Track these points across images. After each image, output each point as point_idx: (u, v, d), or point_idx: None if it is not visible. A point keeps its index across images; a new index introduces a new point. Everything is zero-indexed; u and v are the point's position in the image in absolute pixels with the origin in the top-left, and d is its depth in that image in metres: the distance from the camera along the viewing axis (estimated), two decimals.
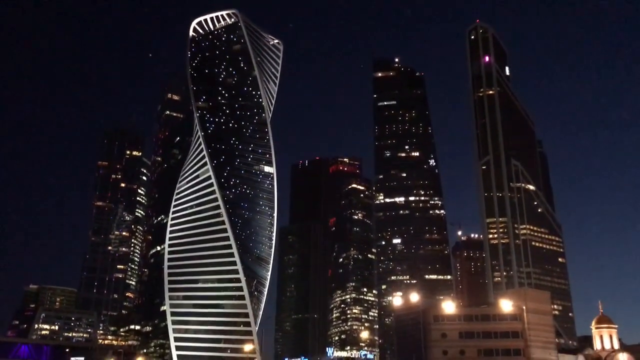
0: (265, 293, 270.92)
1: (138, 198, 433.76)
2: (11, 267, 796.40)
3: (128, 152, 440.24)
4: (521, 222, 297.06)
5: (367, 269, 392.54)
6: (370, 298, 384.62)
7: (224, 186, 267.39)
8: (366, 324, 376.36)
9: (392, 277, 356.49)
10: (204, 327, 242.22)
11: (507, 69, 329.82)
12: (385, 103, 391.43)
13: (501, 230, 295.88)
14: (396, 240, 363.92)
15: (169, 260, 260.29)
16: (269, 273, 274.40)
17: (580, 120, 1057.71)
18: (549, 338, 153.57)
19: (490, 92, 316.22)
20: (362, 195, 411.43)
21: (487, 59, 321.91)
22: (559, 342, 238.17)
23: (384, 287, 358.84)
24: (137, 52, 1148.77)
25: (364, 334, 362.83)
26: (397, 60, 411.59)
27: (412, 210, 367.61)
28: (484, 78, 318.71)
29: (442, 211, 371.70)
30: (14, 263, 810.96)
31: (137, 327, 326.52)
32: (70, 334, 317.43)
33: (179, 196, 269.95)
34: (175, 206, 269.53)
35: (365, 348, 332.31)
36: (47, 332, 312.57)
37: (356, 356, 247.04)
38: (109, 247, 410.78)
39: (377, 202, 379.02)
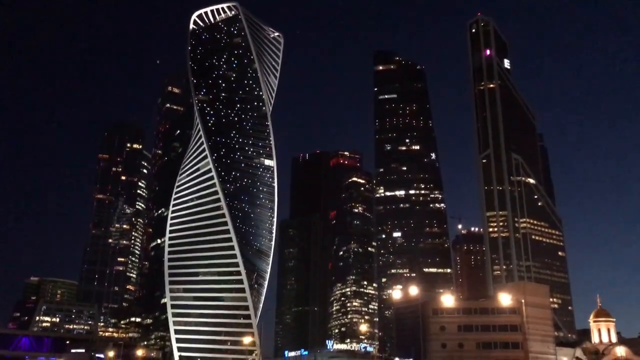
0: (266, 286, 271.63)
1: (138, 191, 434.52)
2: (12, 260, 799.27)
3: (129, 145, 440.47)
4: (521, 216, 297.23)
5: (368, 262, 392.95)
6: (370, 291, 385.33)
7: (225, 179, 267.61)
8: (366, 317, 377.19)
9: (392, 271, 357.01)
10: (204, 320, 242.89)
11: (508, 62, 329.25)
12: (386, 96, 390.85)
13: (501, 223, 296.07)
14: (396, 234, 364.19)
15: (170, 253, 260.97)
16: (269, 266, 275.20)
17: (582, 113, 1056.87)
18: (548, 331, 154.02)
19: (491, 85, 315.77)
20: (362, 188, 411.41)
21: (488, 52, 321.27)
22: (558, 335, 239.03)
23: (384, 280, 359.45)
24: (138, 46, 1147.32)
25: (364, 327, 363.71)
26: (398, 53, 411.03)
27: (413, 203, 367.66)
28: (484, 71, 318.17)
29: (442, 205, 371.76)
30: (15, 255, 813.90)
31: (138, 320, 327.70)
32: (71, 326, 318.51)
33: (179, 189, 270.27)
34: (175, 199, 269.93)
35: (365, 341, 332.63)
36: (48, 324, 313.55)
37: (356, 349, 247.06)
38: (110, 240, 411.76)
39: (378, 195, 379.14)
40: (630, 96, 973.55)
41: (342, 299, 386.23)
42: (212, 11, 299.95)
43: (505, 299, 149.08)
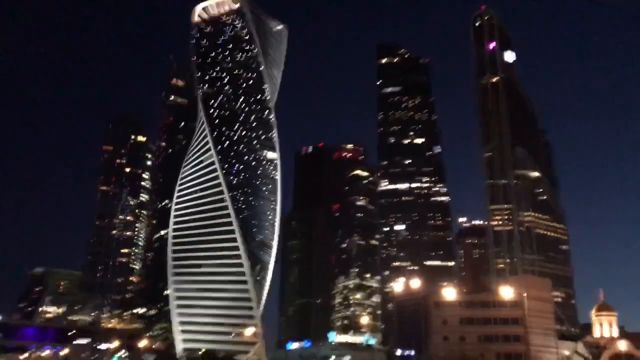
0: (268, 278, 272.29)
1: (142, 183, 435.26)
2: (17, 251, 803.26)
3: (133, 137, 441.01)
4: (525, 209, 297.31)
5: (370, 255, 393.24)
6: (373, 284, 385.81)
7: (228, 172, 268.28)
8: (369, 310, 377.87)
9: (395, 263, 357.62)
10: (208, 312, 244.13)
11: (512, 55, 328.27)
12: (390, 89, 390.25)
13: (505, 217, 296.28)
14: (399, 227, 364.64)
15: (173, 244, 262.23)
16: (272, 258, 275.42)
17: (586, 107, 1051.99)
18: (549, 325, 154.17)
19: (495, 79, 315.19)
20: (365, 181, 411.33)
21: (492, 45, 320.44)
22: (561, 329, 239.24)
23: (387, 273, 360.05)
24: (142, 37, 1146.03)
25: (367, 320, 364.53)
26: (401, 46, 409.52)
27: (416, 196, 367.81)
28: (488, 65, 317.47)
29: (445, 198, 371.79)
30: (20, 246, 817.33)
31: (142, 311, 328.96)
32: (75, 317, 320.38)
33: (183, 181, 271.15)
34: (179, 191, 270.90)
35: (368, 333, 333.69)
36: (52, 314, 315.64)
37: (358, 341, 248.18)
38: (114, 231, 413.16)
39: (381, 188, 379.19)
40: (636, 91, 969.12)
41: (345, 291, 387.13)
42: (216, 3, 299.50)
43: (507, 292, 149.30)
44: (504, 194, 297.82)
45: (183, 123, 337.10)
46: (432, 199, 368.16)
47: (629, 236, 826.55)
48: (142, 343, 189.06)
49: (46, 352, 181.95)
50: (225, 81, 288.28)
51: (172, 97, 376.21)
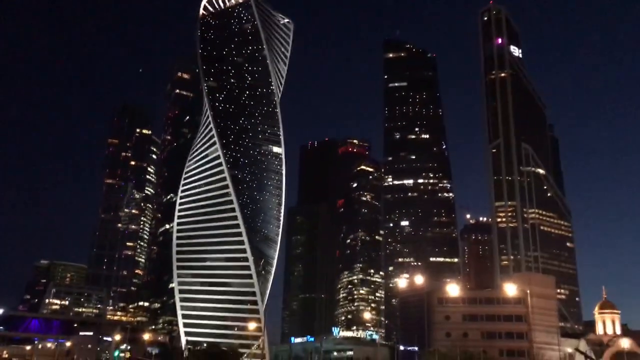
0: (273, 273, 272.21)
1: (147, 176, 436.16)
2: (23, 243, 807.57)
3: (138, 130, 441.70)
4: (530, 206, 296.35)
5: (375, 251, 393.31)
6: (377, 279, 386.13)
7: (233, 166, 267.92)
8: (372, 305, 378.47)
9: (399, 259, 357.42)
10: (212, 305, 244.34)
11: (519, 51, 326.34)
12: (396, 84, 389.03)
13: (510, 214, 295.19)
14: (404, 223, 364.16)
15: (178, 238, 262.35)
16: (277, 253, 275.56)
17: (593, 104, 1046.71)
18: (552, 322, 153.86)
19: (502, 74, 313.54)
20: (370, 177, 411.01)
21: (499, 40, 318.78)
22: (565, 326, 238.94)
23: (391, 268, 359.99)
24: (148, 30, 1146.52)
25: (370, 315, 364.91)
26: (408, 41, 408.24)
27: (421, 192, 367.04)
28: (496, 60, 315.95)
29: (450, 194, 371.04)
30: (26, 239, 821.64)
31: (146, 304, 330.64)
32: (80, 309, 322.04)
33: (188, 175, 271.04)
34: (184, 185, 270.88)
35: (371, 329, 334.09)
36: (57, 306, 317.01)
37: (362, 336, 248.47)
38: (119, 225, 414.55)
39: (386, 184, 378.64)
40: None
41: (349, 286, 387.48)
42: None
43: (510, 289, 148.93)
44: (509, 190, 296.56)
45: (188, 116, 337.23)
46: (437, 195, 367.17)
47: (634, 234, 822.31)
48: (146, 336, 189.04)
49: (50, 344, 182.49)
50: (230, 75, 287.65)
51: (177, 91, 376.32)
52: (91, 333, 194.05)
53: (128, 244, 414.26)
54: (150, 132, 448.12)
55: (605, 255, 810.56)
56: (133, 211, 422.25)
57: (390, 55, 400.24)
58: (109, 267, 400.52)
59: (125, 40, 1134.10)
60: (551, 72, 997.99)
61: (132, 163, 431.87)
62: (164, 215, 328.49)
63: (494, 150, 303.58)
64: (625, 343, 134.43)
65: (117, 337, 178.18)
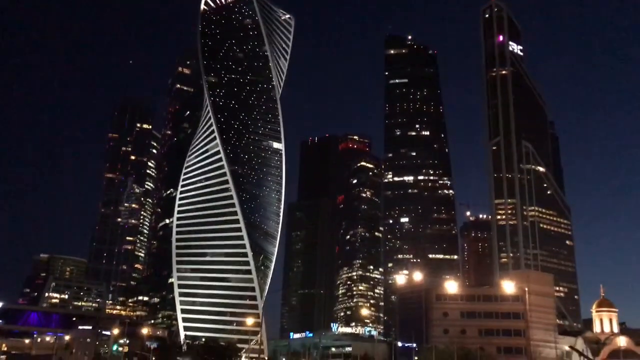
0: (272, 268, 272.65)
1: (148, 171, 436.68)
2: (23, 237, 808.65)
3: (138, 124, 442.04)
4: (530, 204, 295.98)
5: (374, 247, 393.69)
6: (376, 276, 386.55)
7: (233, 161, 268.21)
8: (372, 301, 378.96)
9: (399, 256, 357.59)
10: (211, 300, 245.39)
11: (520, 48, 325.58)
12: (397, 81, 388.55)
13: (509, 211, 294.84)
14: (404, 219, 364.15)
15: (178, 233, 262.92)
16: (276, 248, 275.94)
17: (593, 102, 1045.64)
18: (550, 320, 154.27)
19: (503, 72, 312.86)
20: (371, 173, 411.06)
21: (501, 38, 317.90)
22: (563, 324, 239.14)
23: (390, 265, 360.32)
24: (150, 25, 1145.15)
25: (369, 311, 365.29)
26: (409, 37, 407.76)
27: (421, 189, 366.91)
28: (497, 57, 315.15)
29: (450, 191, 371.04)
30: (26, 232, 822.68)
31: (145, 299, 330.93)
32: (79, 303, 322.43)
33: (188, 170, 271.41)
34: (184, 180, 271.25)
35: (370, 325, 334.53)
36: (57, 300, 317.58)
37: (360, 332, 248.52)
38: (119, 219, 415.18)
39: (386, 180, 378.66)
40: None
41: (348, 282, 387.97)
42: None
43: (508, 286, 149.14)
44: (509, 188, 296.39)
45: (189, 111, 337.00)
46: (437, 192, 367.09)
47: (633, 232, 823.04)
48: (144, 330, 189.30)
49: (49, 338, 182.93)
50: (231, 70, 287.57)
51: (178, 85, 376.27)
52: (90, 327, 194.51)
53: (128, 238, 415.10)
54: (150, 126, 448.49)
55: (605, 253, 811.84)
56: (133, 206, 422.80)
57: (391, 51, 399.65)
58: (108, 261, 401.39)
59: (127, 35, 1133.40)
60: (552, 70, 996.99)
61: (133, 158, 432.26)
62: (164, 210, 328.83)
63: (494, 148, 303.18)
64: (622, 341, 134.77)
65: (116, 331, 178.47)
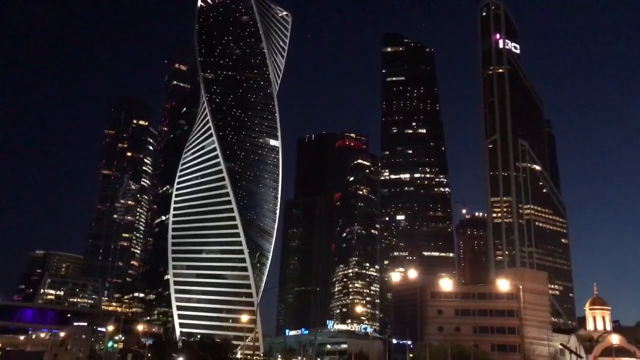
0: (268, 265, 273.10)
1: (144, 167, 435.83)
2: (18, 233, 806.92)
3: (135, 121, 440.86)
4: (525, 202, 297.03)
5: (370, 244, 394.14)
6: (372, 273, 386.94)
7: (229, 158, 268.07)
8: (368, 299, 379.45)
9: (395, 253, 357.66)
10: (207, 297, 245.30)
11: (517, 47, 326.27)
12: (394, 79, 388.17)
13: (505, 209, 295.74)
14: (400, 217, 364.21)
15: (174, 230, 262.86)
16: (272, 245, 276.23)
17: (590, 101, 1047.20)
18: (544, 317, 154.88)
19: (500, 70, 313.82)
20: (367, 170, 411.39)
21: (498, 36, 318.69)
22: (558, 322, 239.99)
23: (386, 262, 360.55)
24: (147, 22, 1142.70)
25: (365, 309, 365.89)
26: (407, 35, 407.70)
27: (417, 187, 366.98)
28: (494, 56, 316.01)
29: (447, 189, 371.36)
30: (21, 228, 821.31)
31: (141, 295, 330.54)
32: (75, 300, 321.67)
33: (184, 167, 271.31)
34: (180, 176, 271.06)
35: (366, 322, 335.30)
36: (52, 297, 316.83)
37: (356, 329, 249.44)
38: (115, 216, 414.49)
39: (383, 178, 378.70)
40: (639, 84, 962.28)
41: (344, 280, 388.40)
42: None
43: (503, 284, 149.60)
44: (505, 186, 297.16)
45: (185, 108, 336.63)
46: (433, 189, 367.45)
47: (628, 231, 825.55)
48: (140, 327, 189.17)
49: (44, 334, 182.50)
50: (228, 67, 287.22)
51: (174, 82, 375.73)
52: (85, 324, 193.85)
53: (124, 235, 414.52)
54: (147, 123, 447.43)
55: (600, 251, 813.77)
56: (129, 202, 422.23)
57: (389, 49, 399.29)
58: (104, 258, 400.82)
59: (123, 32, 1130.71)
60: (549, 69, 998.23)
61: (129, 154, 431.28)
62: (160, 207, 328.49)
63: (490, 146, 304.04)
64: (615, 339, 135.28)
65: (111, 328, 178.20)
